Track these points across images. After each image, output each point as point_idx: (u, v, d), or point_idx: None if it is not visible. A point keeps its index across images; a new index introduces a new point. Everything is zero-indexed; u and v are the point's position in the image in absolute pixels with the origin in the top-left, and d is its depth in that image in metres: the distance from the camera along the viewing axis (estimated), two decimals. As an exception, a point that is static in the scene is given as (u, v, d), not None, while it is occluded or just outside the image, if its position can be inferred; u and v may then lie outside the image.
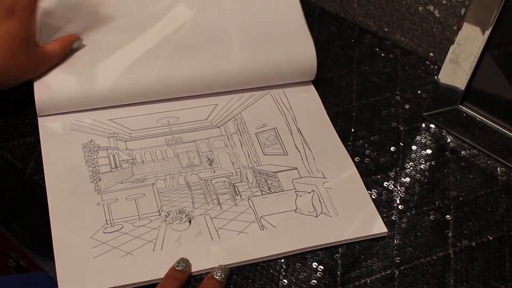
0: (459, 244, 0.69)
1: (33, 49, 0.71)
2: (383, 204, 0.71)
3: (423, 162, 0.76)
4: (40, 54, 0.72)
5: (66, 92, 0.73)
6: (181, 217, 0.67)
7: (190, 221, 0.67)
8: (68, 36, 0.75)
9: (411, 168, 0.75)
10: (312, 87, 0.82)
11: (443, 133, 0.80)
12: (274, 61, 0.78)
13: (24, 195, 0.72)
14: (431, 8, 0.84)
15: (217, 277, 0.62)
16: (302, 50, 0.79)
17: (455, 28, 0.83)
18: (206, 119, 0.77)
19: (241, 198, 0.70)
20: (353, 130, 0.79)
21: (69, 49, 0.75)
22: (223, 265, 0.63)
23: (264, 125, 0.77)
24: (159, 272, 0.62)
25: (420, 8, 0.86)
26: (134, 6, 0.81)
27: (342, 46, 0.89)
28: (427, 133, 0.80)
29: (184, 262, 0.63)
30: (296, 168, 0.73)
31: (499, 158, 0.77)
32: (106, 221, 0.66)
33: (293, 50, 0.79)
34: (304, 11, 0.92)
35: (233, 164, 0.73)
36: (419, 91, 0.84)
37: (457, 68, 0.76)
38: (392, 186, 0.73)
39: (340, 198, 0.70)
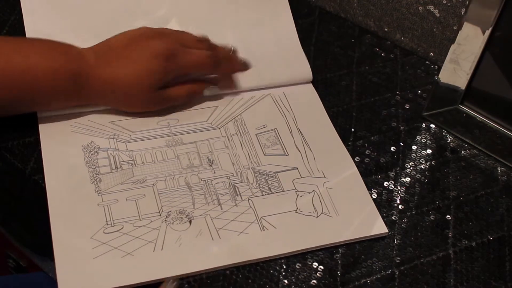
0: (459, 244, 0.69)
1: (158, 92, 0.73)
2: (383, 204, 0.71)
3: (423, 162, 0.76)
4: (163, 98, 0.74)
5: None
6: (181, 218, 0.67)
7: (190, 222, 0.67)
8: (198, 86, 0.77)
9: (411, 168, 0.75)
10: (312, 88, 0.82)
11: (443, 133, 0.80)
12: (270, 76, 0.81)
13: (24, 195, 0.72)
14: (431, 8, 0.84)
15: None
16: (299, 72, 0.82)
17: (455, 28, 0.83)
18: (206, 121, 0.77)
19: (242, 198, 0.70)
20: (353, 130, 0.79)
21: (198, 97, 0.77)
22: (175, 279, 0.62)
23: (265, 126, 0.77)
24: (159, 272, 0.62)
25: (420, 8, 0.86)
26: (128, 20, 0.82)
27: (342, 46, 0.89)
28: (427, 133, 0.80)
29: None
30: (297, 168, 0.73)
31: (499, 158, 0.77)
32: (107, 221, 0.66)
33: (289, 72, 0.82)
34: (304, 11, 0.92)
35: (233, 165, 0.73)
36: (419, 91, 0.84)
37: (457, 68, 0.76)
38: (392, 186, 0.73)
39: (341, 198, 0.70)
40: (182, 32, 0.77)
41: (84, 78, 0.69)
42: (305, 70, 0.82)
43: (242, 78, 0.80)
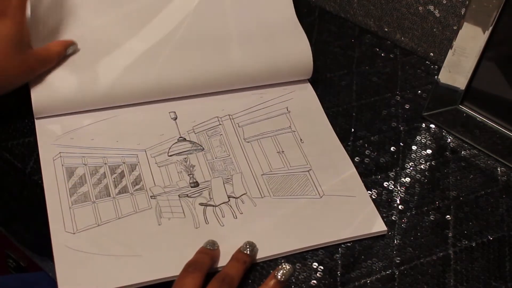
0: (459, 244, 0.69)
1: (27, 51, 0.69)
2: (383, 204, 0.71)
3: (423, 162, 0.76)
4: (34, 57, 0.70)
5: (64, 94, 0.73)
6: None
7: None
8: (63, 41, 0.74)
9: (411, 168, 0.75)
10: (310, 88, 0.82)
11: (443, 133, 0.80)
12: (271, 57, 0.78)
13: (24, 195, 0.72)
14: (431, 8, 0.84)
15: (279, 277, 0.60)
16: (298, 47, 0.79)
17: (455, 28, 0.83)
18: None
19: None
20: (353, 130, 0.79)
21: (63, 53, 0.73)
22: (288, 266, 0.60)
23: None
24: (159, 272, 0.62)
25: (420, 8, 0.86)
26: (130, 6, 0.81)
27: (342, 46, 0.89)
28: (427, 133, 0.80)
29: (212, 243, 0.64)
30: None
31: (499, 158, 0.77)
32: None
33: (288, 47, 0.79)
34: (304, 11, 0.92)
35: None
36: (419, 91, 0.84)
37: (457, 68, 0.76)
38: (392, 186, 0.73)
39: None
40: None
41: None
42: (304, 45, 0.80)
43: (242, 51, 0.78)
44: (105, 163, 0.71)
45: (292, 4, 0.83)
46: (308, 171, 0.73)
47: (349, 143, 0.77)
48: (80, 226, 0.65)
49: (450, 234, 0.70)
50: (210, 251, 0.63)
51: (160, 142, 0.74)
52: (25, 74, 0.70)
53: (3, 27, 0.66)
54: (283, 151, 0.75)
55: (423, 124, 0.81)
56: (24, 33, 0.69)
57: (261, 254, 0.65)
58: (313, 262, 0.66)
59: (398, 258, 0.67)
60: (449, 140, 0.79)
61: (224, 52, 0.78)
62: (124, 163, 0.71)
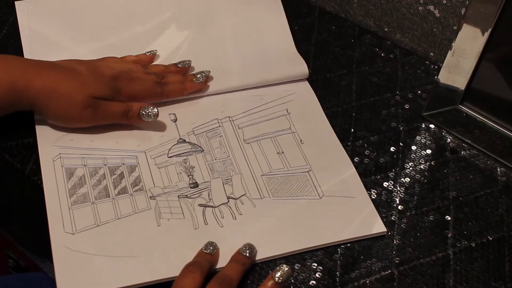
0: (458, 245, 0.69)
1: (94, 101, 0.71)
2: (382, 205, 0.71)
3: (423, 162, 0.76)
4: (98, 108, 0.71)
5: None
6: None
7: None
8: (136, 105, 0.73)
9: (411, 168, 0.75)
10: (310, 89, 0.81)
11: (443, 133, 0.80)
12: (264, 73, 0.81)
13: (23, 196, 0.72)
14: (431, 8, 0.84)
15: (277, 279, 0.60)
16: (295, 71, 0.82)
17: (455, 28, 0.83)
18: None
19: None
20: (352, 130, 0.78)
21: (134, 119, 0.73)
22: (286, 267, 0.61)
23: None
24: (158, 273, 0.62)
25: (420, 8, 0.85)
26: (125, 31, 0.83)
27: (342, 46, 0.89)
28: (427, 133, 0.80)
29: (212, 245, 0.63)
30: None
31: (499, 158, 0.77)
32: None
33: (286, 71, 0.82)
34: (304, 11, 0.92)
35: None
36: (419, 91, 0.84)
37: (457, 68, 0.76)
38: (392, 187, 0.73)
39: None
40: (129, 63, 0.77)
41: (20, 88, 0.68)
42: (300, 66, 0.82)
43: (238, 77, 0.80)
44: (105, 164, 0.71)
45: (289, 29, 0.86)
46: (307, 171, 0.73)
47: (348, 143, 0.77)
48: (79, 226, 0.65)
49: (449, 235, 0.70)
50: (209, 255, 0.63)
51: (160, 144, 0.74)
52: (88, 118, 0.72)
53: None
54: (283, 152, 0.74)
55: (423, 124, 0.81)
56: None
57: (260, 255, 0.65)
58: (313, 263, 0.66)
59: (398, 259, 0.67)
60: (449, 140, 0.79)
61: (222, 75, 0.80)
62: (123, 164, 0.71)
